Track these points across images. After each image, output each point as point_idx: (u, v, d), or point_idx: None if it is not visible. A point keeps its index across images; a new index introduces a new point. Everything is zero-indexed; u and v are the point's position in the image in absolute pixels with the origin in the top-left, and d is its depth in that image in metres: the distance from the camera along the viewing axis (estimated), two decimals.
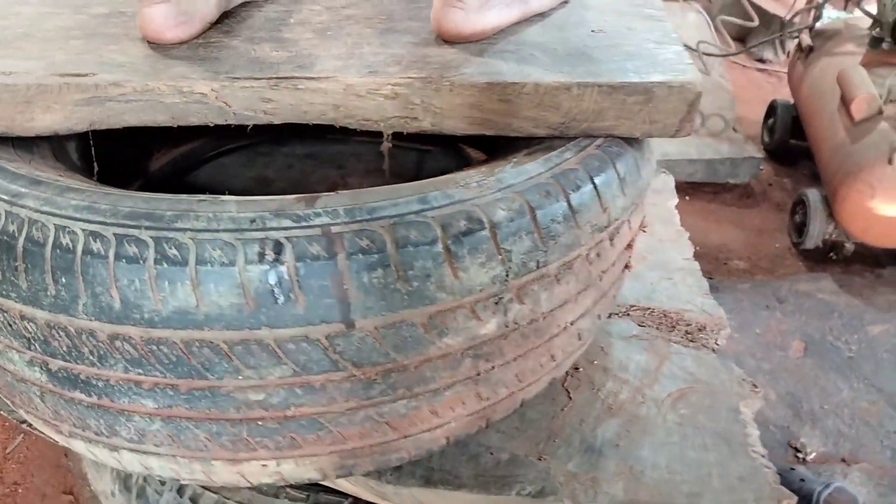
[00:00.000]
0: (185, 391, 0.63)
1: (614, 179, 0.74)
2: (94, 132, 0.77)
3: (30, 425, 0.82)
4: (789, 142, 1.98)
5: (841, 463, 1.16)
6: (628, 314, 0.97)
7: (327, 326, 0.61)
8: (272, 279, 0.59)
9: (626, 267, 0.83)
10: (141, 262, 0.59)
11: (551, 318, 0.72)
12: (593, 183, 0.72)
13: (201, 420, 0.65)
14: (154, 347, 0.61)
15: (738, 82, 2.25)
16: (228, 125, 0.76)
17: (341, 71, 0.75)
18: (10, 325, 0.65)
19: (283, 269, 0.59)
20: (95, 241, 0.60)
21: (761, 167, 1.90)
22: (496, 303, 0.66)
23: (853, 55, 1.66)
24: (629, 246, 0.81)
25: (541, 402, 0.84)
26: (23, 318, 0.63)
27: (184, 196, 0.64)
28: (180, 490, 0.90)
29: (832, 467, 1.15)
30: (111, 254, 0.59)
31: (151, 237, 0.59)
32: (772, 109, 1.90)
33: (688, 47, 1.98)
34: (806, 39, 1.79)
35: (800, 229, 1.65)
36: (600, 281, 0.77)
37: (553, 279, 0.69)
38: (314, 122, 0.77)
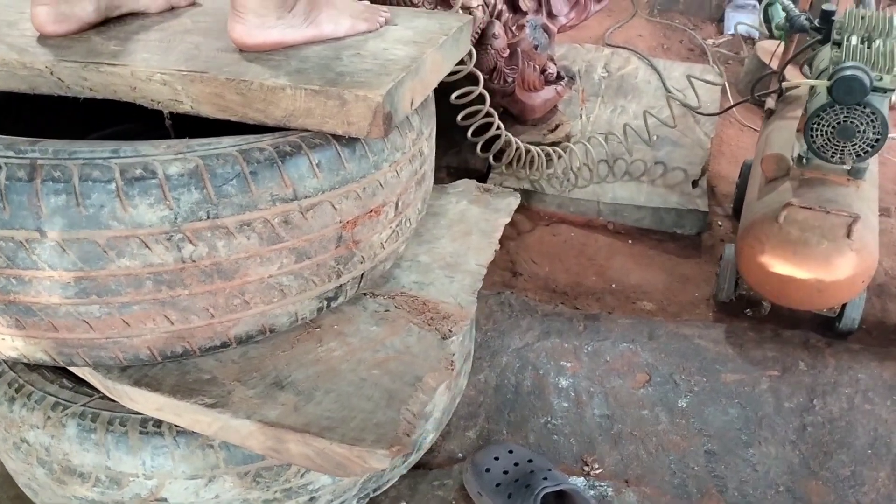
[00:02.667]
0: None
1: (305, 163, 0.92)
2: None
3: None
4: None
5: (623, 483, 1.22)
6: (393, 297, 1.12)
7: (26, 232, 0.84)
8: None
9: (345, 245, 0.99)
10: None
11: (236, 265, 0.91)
12: (278, 161, 0.90)
13: None
14: None
15: (735, 140, 2.28)
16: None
17: (136, 62, 0.99)
18: None
19: None
20: None
21: (709, 221, 1.94)
22: (168, 239, 0.86)
23: (797, 119, 1.69)
24: (346, 225, 0.98)
25: (268, 346, 1.01)
26: None
27: None
28: None
29: (610, 483, 1.22)
30: None
31: None
32: (742, 169, 1.93)
33: (689, 107, 2.08)
34: (770, 103, 1.83)
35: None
36: (301, 246, 0.94)
37: (228, 231, 0.88)
38: (125, 100, 1.01)
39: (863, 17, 1.47)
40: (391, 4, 1.72)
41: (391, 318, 1.09)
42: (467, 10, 1.83)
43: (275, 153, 0.90)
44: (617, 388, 1.40)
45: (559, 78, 2.11)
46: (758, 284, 1.54)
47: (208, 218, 0.87)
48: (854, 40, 1.42)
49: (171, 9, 1.18)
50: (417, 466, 1.25)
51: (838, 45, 1.46)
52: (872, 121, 1.36)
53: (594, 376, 1.42)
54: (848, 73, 1.29)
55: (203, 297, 0.92)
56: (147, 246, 0.86)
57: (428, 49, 1.05)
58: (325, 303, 1.03)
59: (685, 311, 1.68)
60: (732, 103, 2.18)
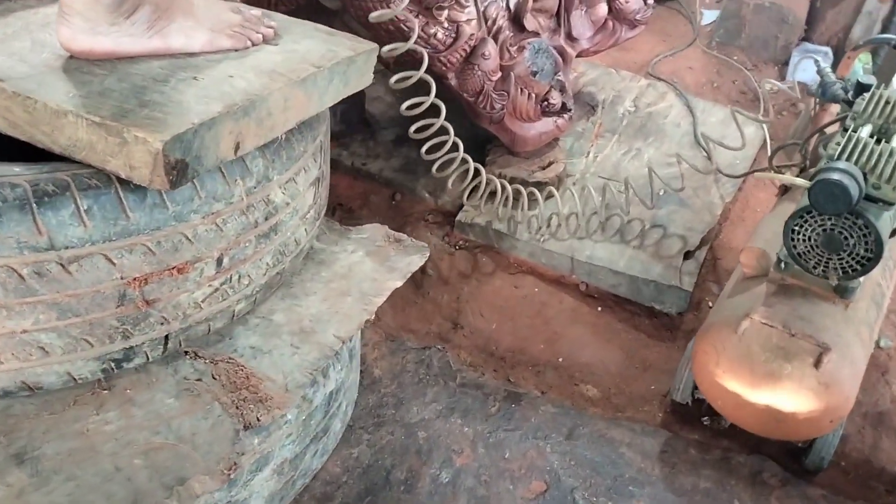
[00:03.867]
0: None
1: (69, 208, 0.76)
2: None
3: None
4: None
5: None
6: (216, 362, 0.96)
7: None
8: None
9: (132, 304, 0.83)
10: None
11: None
12: (31, 202, 0.74)
13: None
14: None
15: (765, 206, 2.00)
16: None
17: None
18: None
19: None
20: None
21: (697, 300, 1.69)
22: None
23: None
24: (131, 283, 0.82)
25: (38, 403, 0.87)
26: None
27: None
28: None
29: None
30: None
31: None
32: None
33: (704, 168, 1.82)
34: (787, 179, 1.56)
35: None
36: (65, 302, 0.79)
37: None
38: None
39: (887, 103, 1.19)
40: (365, 6, 1.55)
41: (197, 391, 0.92)
42: (454, 23, 1.63)
43: (29, 192, 0.75)
44: (503, 494, 1.20)
45: (564, 109, 1.88)
46: (710, 396, 1.30)
47: None
48: (865, 132, 1.15)
49: None
50: None
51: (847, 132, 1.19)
52: (864, 235, 1.10)
53: (483, 475, 1.22)
54: (831, 176, 1.03)
55: None
56: None
57: (278, 84, 0.87)
58: (112, 364, 0.88)
59: (631, 406, 1.45)
60: (749, 171, 1.90)
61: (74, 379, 0.87)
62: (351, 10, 1.57)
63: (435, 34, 1.62)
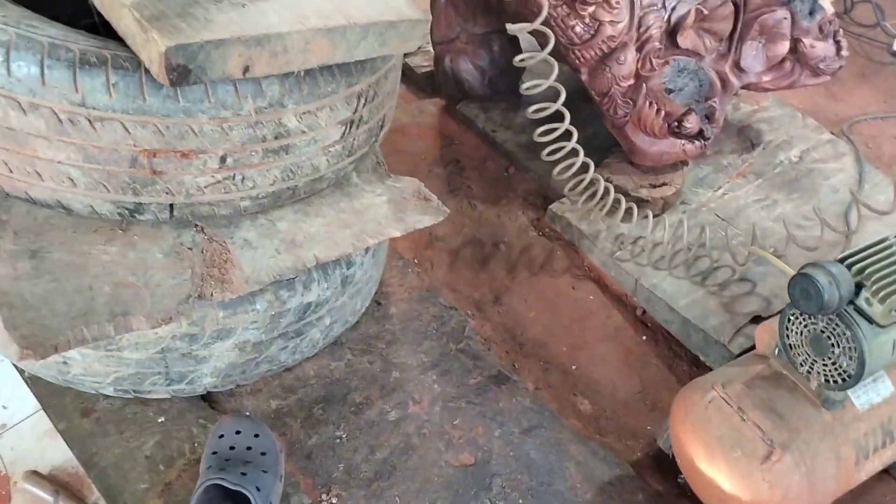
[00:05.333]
0: None
1: (100, 78, 0.96)
2: None
3: None
4: None
5: None
6: (210, 240, 1.14)
7: None
8: None
9: (141, 168, 1.04)
10: None
11: (26, 138, 1.01)
12: (76, 66, 0.96)
13: None
14: None
15: None
16: None
17: None
18: None
19: None
20: None
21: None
22: None
23: None
24: (143, 151, 1.02)
25: (68, 220, 1.12)
26: None
27: None
28: None
29: None
30: None
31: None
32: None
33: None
34: None
35: None
36: (89, 150, 1.01)
37: (20, 106, 0.98)
38: None
39: None
40: None
41: (182, 256, 1.12)
42: (596, 20, 1.65)
43: (77, 58, 0.96)
44: (431, 452, 1.29)
45: (700, 136, 1.82)
46: (675, 452, 1.28)
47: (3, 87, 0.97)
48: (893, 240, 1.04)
49: None
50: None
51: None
52: (850, 349, 1.01)
53: (425, 429, 1.32)
54: (811, 271, 0.96)
55: (2, 152, 1.03)
56: None
57: (302, 27, 1.01)
58: (126, 212, 1.10)
59: (616, 434, 1.46)
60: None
61: (97, 213, 1.10)
62: None
63: (574, 27, 1.65)
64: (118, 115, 0.99)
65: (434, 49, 2.09)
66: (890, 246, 1.04)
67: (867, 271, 1.00)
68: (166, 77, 0.93)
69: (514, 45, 2.09)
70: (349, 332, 1.45)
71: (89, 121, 0.99)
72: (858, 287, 1.00)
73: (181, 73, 0.94)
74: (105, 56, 0.97)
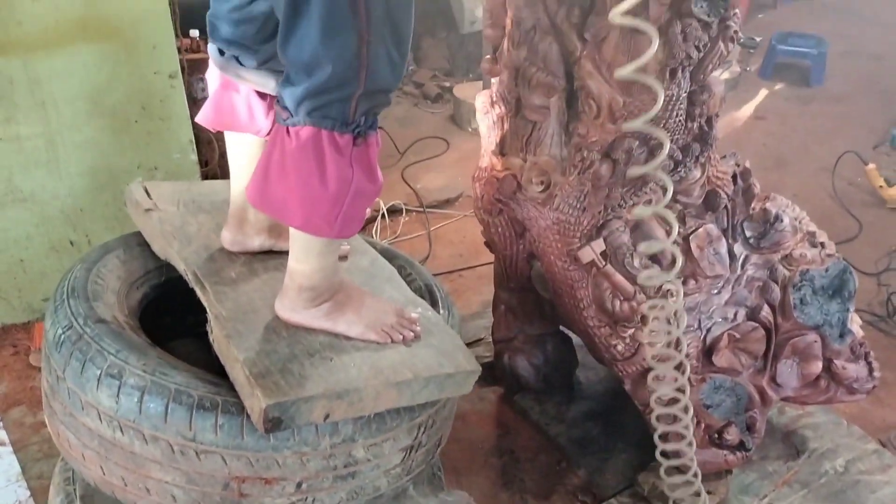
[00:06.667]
0: None
1: (212, 419, 1.19)
2: None
3: None
4: None
5: None
6: None
7: None
8: None
9: (231, 491, 1.23)
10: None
11: (142, 460, 1.22)
12: (194, 409, 1.19)
13: None
14: None
15: None
16: None
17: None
18: None
19: None
20: None
21: None
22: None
23: None
24: (235, 478, 1.21)
25: None
26: None
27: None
28: None
29: None
30: None
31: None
32: None
33: None
34: None
35: None
36: (192, 474, 1.21)
37: (169, 447, 1.21)
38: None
39: None
40: None
41: None
42: (636, 342, 1.85)
43: (195, 402, 1.20)
44: None
45: (742, 447, 1.92)
46: None
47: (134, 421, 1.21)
48: None
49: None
50: None
51: None
52: None
53: None
54: None
55: (119, 468, 1.25)
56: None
57: (376, 381, 1.23)
58: None
59: None
60: None
61: None
62: None
63: (616, 346, 1.85)
64: (220, 449, 1.20)
65: (494, 346, 2.32)
66: None
67: None
68: (262, 426, 1.15)
69: (566, 344, 2.30)
70: None
71: (196, 453, 1.20)
72: None
73: (275, 423, 1.16)
74: (217, 401, 1.21)
